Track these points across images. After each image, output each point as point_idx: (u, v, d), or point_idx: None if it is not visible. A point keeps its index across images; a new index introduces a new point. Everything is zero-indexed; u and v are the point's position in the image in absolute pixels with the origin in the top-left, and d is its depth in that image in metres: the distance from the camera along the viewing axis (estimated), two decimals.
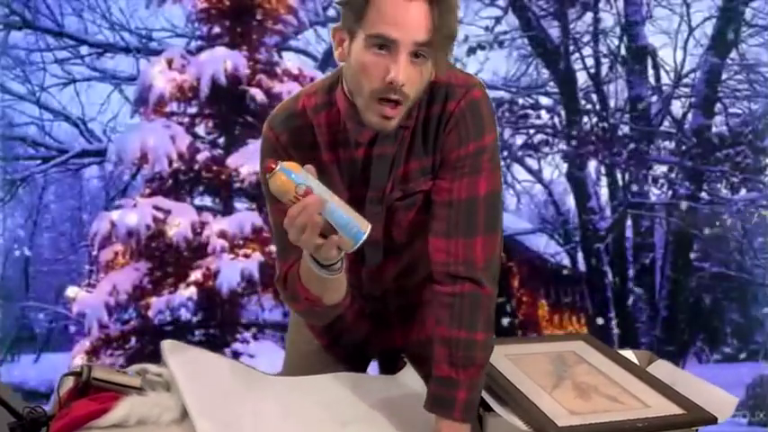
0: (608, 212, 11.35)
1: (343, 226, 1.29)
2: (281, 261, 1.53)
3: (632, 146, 10.71)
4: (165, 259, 8.52)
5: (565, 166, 11.62)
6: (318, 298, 1.42)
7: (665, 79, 11.88)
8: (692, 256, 11.02)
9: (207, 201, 9.28)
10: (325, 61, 10.80)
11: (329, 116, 1.48)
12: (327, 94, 1.49)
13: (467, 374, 1.42)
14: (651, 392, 1.57)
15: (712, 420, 1.50)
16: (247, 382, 1.54)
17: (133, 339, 8.68)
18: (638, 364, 1.70)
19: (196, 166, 8.77)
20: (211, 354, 1.59)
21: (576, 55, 11.60)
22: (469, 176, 1.46)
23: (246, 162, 8.14)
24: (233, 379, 1.52)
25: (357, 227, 1.30)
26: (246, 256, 8.02)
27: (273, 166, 1.25)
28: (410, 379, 1.63)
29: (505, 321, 10.90)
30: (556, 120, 11.24)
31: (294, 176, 1.24)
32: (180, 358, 1.50)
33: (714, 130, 11.12)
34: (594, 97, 11.65)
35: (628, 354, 1.75)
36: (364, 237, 1.30)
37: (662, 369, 1.69)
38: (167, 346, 1.52)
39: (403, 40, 1.30)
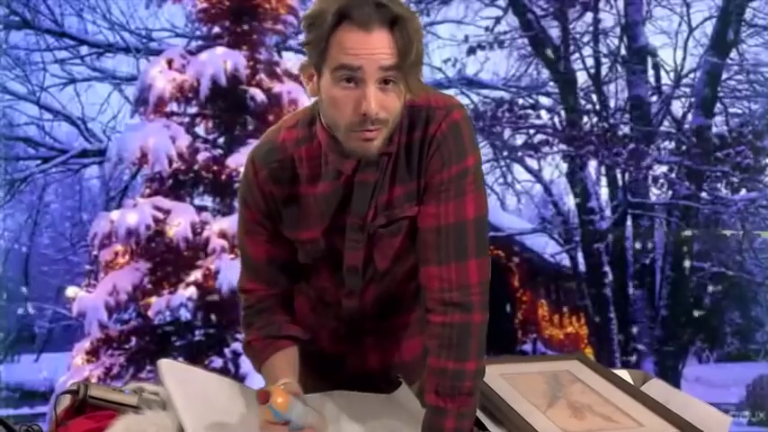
0: (608, 212, 11.36)
1: None
2: (244, 276, 1.64)
3: (632, 146, 10.71)
4: (165, 259, 8.51)
5: (565, 166, 11.65)
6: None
7: (665, 79, 11.91)
8: (692, 256, 11.04)
9: (207, 201, 9.27)
10: None
11: (310, 150, 1.48)
12: (308, 127, 1.49)
13: (454, 403, 1.42)
14: (645, 411, 1.58)
15: None
16: (244, 401, 1.54)
17: (133, 339, 8.67)
18: (632, 383, 1.71)
19: (196, 166, 8.76)
20: (208, 373, 1.60)
21: (576, 55, 11.62)
22: (455, 200, 1.45)
23: None
24: (230, 398, 1.53)
25: None
26: None
27: (264, 399, 1.33)
28: (407, 397, 1.64)
29: (505, 321, 10.94)
30: (556, 120, 11.26)
31: (276, 415, 1.33)
32: (176, 377, 1.50)
33: (714, 130, 11.14)
34: (594, 97, 11.66)
35: (622, 373, 1.75)
36: None
37: (656, 388, 1.69)
38: (164, 365, 1.53)
39: (367, 66, 1.30)
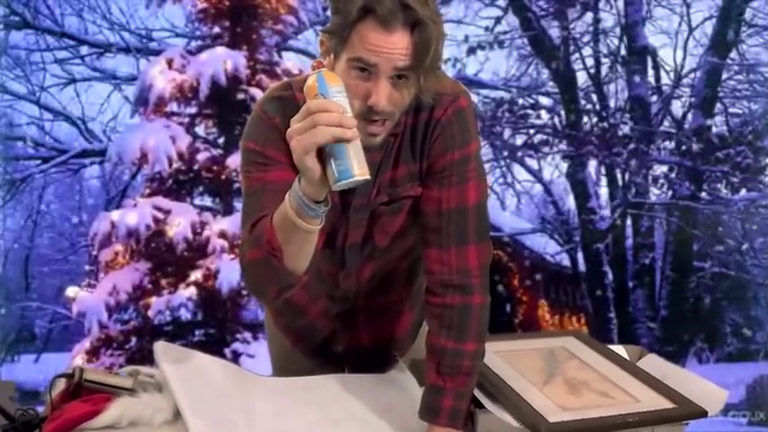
0: (608, 212, 11.35)
1: (338, 157, 1.20)
2: (245, 225, 1.42)
3: (632, 146, 10.72)
4: (165, 259, 8.52)
5: (565, 166, 11.64)
6: (280, 248, 1.30)
7: (665, 79, 11.91)
8: (692, 256, 11.03)
9: (207, 201, 9.29)
10: None
11: None
12: None
13: (453, 383, 1.44)
14: (642, 387, 1.58)
15: (702, 414, 1.50)
16: (240, 382, 1.54)
17: (133, 339, 8.67)
18: (628, 358, 1.71)
19: (196, 166, 8.78)
20: (203, 355, 1.59)
21: (576, 55, 11.62)
22: (457, 186, 1.47)
23: None
24: (225, 379, 1.52)
25: (347, 167, 1.19)
26: None
27: (318, 67, 1.23)
28: (402, 378, 1.63)
29: (505, 321, 10.92)
30: (556, 120, 11.26)
31: (321, 88, 1.22)
32: (172, 359, 1.49)
33: (714, 130, 11.13)
34: (594, 97, 11.66)
35: (618, 349, 1.75)
36: (350, 181, 1.19)
37: (652, 363, 1.69)
38: (159, 347, 1.52)
39: (383, 65, 1.30)
